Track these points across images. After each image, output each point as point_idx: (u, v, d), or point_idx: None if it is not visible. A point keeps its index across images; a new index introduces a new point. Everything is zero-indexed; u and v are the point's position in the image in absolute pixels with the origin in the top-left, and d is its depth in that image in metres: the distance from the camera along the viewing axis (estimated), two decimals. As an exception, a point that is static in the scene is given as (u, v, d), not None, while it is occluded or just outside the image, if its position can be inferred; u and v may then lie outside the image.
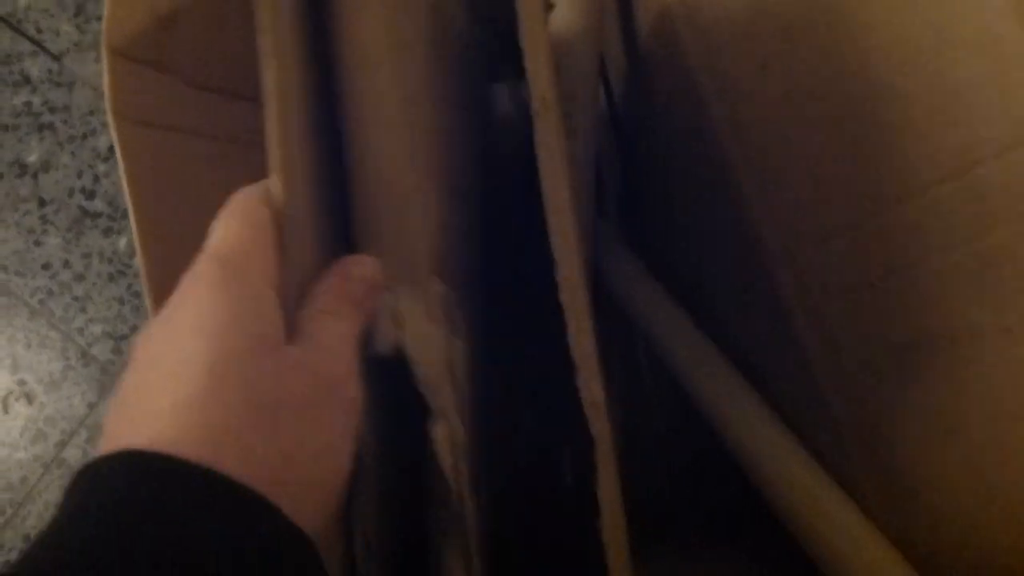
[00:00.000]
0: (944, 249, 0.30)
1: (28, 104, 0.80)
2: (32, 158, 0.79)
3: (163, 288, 0.40)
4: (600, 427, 0.25)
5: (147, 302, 0.39)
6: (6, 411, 0.73)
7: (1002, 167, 0.28)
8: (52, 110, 0.79)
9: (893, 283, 0.30)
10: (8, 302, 0.74)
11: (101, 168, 0.77)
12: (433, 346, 0.25)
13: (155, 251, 0.41)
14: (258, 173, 0.31)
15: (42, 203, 0.77)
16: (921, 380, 0.30)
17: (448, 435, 0.24)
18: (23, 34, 0.83)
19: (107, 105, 0.42)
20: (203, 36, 0.47)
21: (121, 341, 0.73)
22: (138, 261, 0.40)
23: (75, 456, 0.72)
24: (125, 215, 0.76)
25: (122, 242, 0.75)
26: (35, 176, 0.78)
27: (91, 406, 0.73)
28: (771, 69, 0.33)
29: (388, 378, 0.25)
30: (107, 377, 0.73)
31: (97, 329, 0.73)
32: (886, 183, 0.29)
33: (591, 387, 0.25)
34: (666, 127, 0.48)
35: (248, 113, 0.49)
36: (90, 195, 0.76)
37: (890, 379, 0.31)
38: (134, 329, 0.73)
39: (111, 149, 0.77)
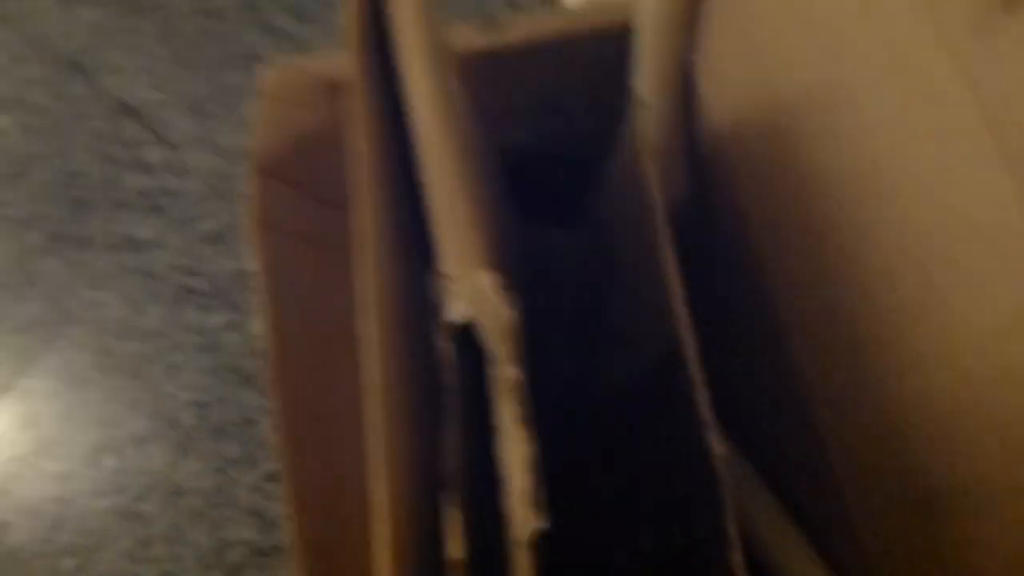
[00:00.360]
0: (961, 414, 0.34)
1: (145, 187, 0.89)
2: (144, 235, 0.87)
3: (284, 373, 0.47)
4: (725, 478, 0.31)
5: (270, 388, 0.46)
6: (95, 463, 0.80)
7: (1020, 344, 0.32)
8: (166, 194, 0.89)
9: (914, 440, 0.35)
10: (109, 363, 0.82)
11: (204, 251, 0.85)
12: (492, 312, 0.31)
13: (279, 338, 0.48)
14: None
15: (148, 276, 0.85)
16: (942, 531, 0.35)
17: (505, 378, 0.30)
18: (147, 125, 0.93)
19: (249, 216, 0.50)
20: (327, 156, 0.55)
21: (204, 409, 0.80)
22: (264, 345, 0.47)
23: (149, 510, 0.78)
24: (221, 294, 0.84)
25: (215, 319, 0.83)
26: (144, 252, 0.86)
27: (170, 466, 0.79)
28: (811, 244, 0.39)
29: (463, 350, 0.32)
30: (188, 441, 0.79)
31: (185, 396, 0.80)
32: (905, 354, 0.35)
33: (715, 442, 0.32)
34: (720, 265, 0.54)
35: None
36: (192, 274, 0.85)
37: (915, 528, 0.36)
38: (219, 399, 0.80)
39: (217, 234, 0.86)
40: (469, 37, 0.53)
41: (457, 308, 0.31)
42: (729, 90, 0.51)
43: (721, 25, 0.50)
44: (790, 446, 0.45)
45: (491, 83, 0.57)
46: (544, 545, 0.33)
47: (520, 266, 0.53)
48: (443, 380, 0.32)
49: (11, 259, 0.90)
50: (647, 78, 0.52)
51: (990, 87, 0.31)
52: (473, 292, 0.30)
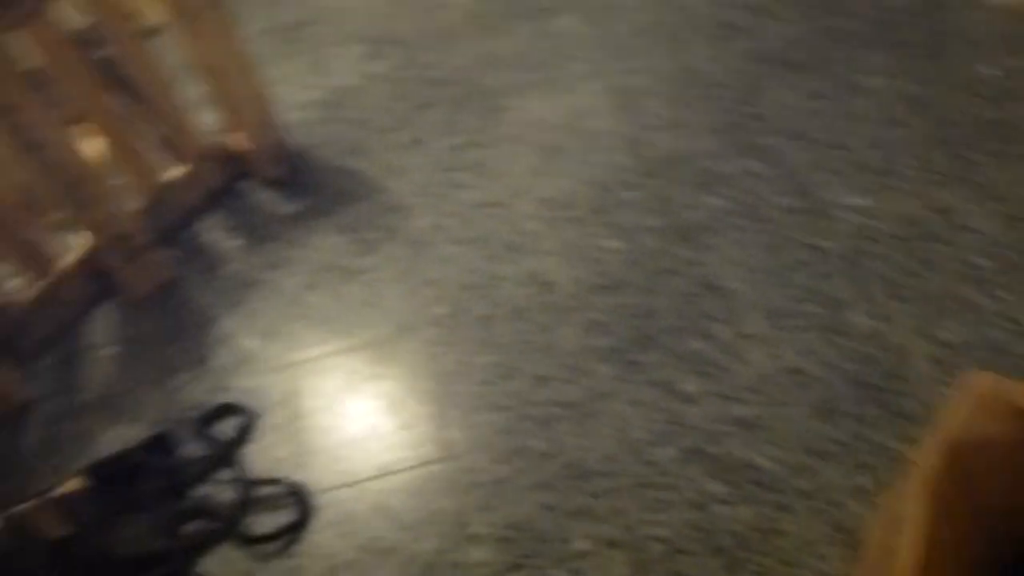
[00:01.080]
0: None
1: (702, 352, 1.06)
2: (684, 388, 1.03)
3: None
4: None
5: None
6: (566, 546, 0.94)
7: None
8: (716, 367, 1.04)
9: None
10: (599, 487, 0.97)
11: (727, 428, 0.98)
12: None
13: None
14: None
15: (674, 423, 1.00)
16: None
17: None
18: (726, 306, 1.10)
19: (920, 476, 0.59)
20: (990, 465, 0.63)
21: (672, 551, 0.90)
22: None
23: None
24: (726, 471, 0.95)
25: (715, 487, 0.94)
26: (679, 402, 1.02)
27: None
28: None
29: None
30: (644, 572, 0.90)
31: (660, 531, 0.92)
32: None
33: None
34: None
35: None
36: (710, 439, 0.98)
37: None
38: (688, 552, 0.90)
39: (741, 420, 0.99)
40: None
41: None
42: None
43: None
44: None
45: None
46: None
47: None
48: None
49: (576, 344, 1.10)
50: None
51: None
52: None
